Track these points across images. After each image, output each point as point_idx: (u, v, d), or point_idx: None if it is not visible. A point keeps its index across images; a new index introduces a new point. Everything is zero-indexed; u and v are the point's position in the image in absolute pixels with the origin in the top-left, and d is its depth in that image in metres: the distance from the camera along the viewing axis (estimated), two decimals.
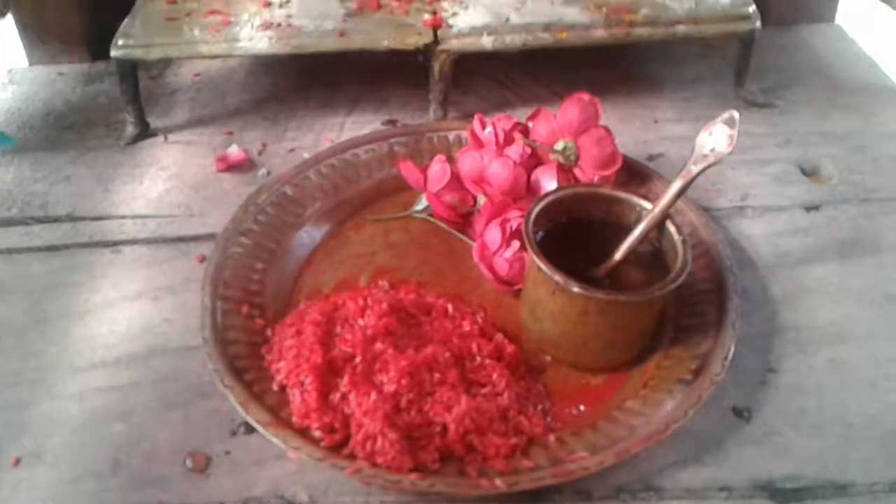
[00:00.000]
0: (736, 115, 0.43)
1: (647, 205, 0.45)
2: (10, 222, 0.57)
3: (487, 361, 0.44)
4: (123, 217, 0.57)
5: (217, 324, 0.46)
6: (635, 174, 0.56)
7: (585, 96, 0.54)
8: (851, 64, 0.73)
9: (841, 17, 0.78)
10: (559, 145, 0.54)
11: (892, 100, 0.68)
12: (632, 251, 0.45)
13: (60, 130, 0.67)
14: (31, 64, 0.76)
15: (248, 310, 0.47)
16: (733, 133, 0.42)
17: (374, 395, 0.40)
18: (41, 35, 0.74)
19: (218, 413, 0.43)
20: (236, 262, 0.50)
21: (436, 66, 0.64)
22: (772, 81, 0.70)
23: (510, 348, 0.45)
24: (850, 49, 0.75)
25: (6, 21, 0.73)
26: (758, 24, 0.63)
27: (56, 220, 0.58)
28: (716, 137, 0.43)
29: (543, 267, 0.41)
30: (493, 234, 0.50)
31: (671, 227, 0.44)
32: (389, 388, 0.41)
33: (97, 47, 0.76)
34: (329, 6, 0.65)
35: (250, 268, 0.50)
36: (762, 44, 0.67)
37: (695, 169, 0.43)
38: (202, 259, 0.53)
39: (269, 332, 0.46)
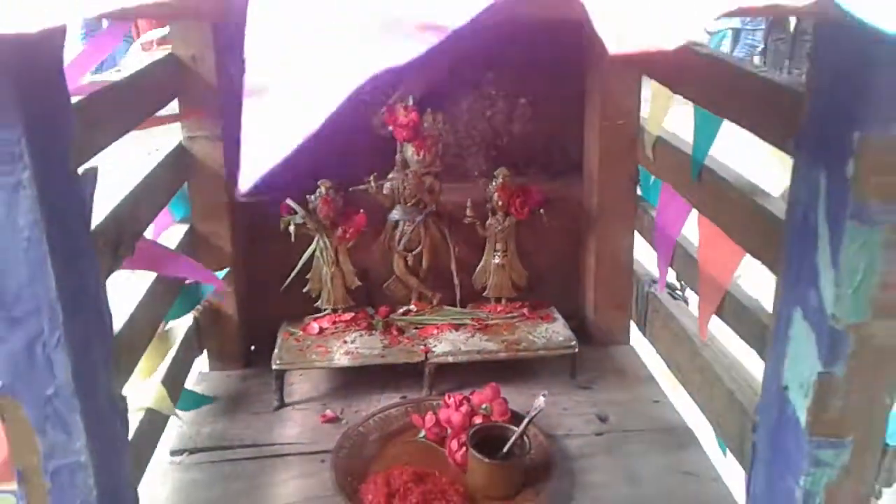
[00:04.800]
0: (545, 393, 1.11)
1: (515, 428, 1.11)
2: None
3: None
4: (273, 444, 1.21)
5: None
6: (518, 417, 1.23)
7: (494, 385, 1.23)
8: (636, 367, 1.44)
9: (633, 341, 1.51)
10: (484, 406, 1.21)
11: (648, 380, 1.38)
12: (513, 444, 1.10)
13: (234, 406, 1.33)
14: (211, 370, 1.43)
15: None
16: (542, 400, 1.10)
17: None
18: (219, 355, 1.43)
19: None
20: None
21: (427, 370, 1.32)
22: (592, 377, 1.39)
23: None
24: (636, 360, 1.46)
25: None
26: (576, 349, 1.34)
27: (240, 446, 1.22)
28: (540, 401, 1.11)
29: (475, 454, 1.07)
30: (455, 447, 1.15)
31: (525, 437, 1.10)
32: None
33: (247, 361, 1.44)
34: (374, 342, 1.35)
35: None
36: (588, 357, 1.38)
37: (532, 413, 1.11)
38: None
39: None
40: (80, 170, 0.70)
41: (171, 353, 1.16)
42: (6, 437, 0.70)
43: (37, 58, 0.59)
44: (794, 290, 0.74)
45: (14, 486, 0.71)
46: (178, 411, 1.19)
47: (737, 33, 6.23)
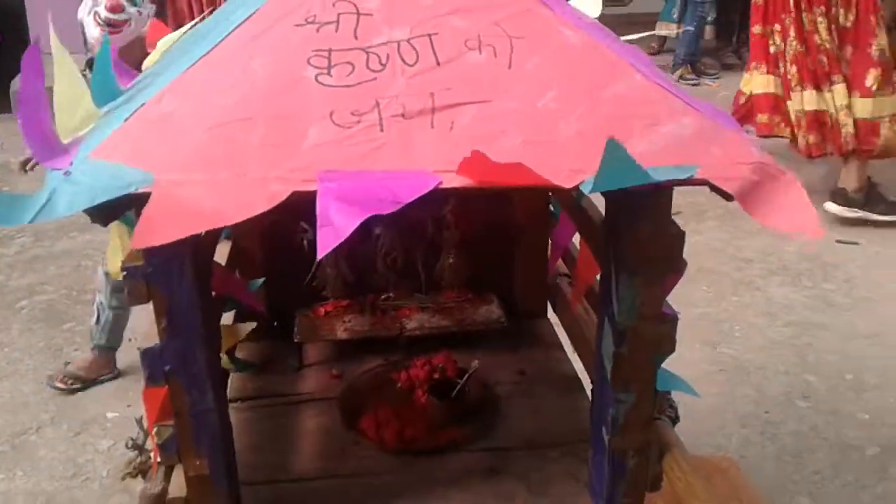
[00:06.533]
0: (478, 360, 1.70)
1: (459, 381, 1.70)
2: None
3: None
4: (298, 394, 1.80)
5: None
6: (463, 372, 1.81)
7: (447, 351, 1.81)
8: (549, 335, 2.02)
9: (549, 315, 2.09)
10: (440, 366, 1.79)
11: (556, 345, 1.97)
12: (458, 391, 1.69)
13: (267, 367, 1.90)
14: (247, 341, 2.00)
15: None
16: (476, 363, 1.69)
17: None
18: (253, 331, 1.99)
19: None
20: None
21: (401, 341, 1.90)
22: (516, 342, 1.97)
23: None
24: (550, 329, 2.05)
25: None
26: (506, 324, 1.92)
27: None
28: (475, 363, 1.70)
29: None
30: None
31: (467, 387, 1.70)
32: None
33: (272, 335, 2.01)
34: (364, 321, 1.92)
35: None
36: (515, 328, 1.96)
37: (471, 370, 1.70)
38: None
39: None
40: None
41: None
42: (168, 394, 1.27)
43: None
44: (604, 306, 1.32)
45: (171, 422, 1.28)
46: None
47: (685, 2, 6.57)
